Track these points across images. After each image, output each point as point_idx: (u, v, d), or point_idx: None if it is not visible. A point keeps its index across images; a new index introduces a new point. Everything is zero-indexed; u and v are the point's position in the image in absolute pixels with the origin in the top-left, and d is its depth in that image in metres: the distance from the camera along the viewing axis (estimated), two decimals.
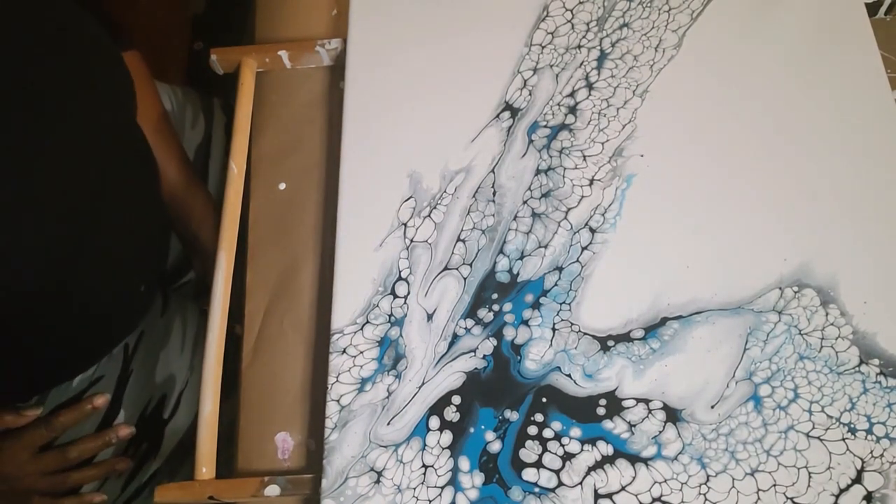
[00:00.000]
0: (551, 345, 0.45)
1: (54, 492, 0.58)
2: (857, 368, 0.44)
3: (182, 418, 0.66)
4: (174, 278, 0.76)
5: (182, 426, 0.66)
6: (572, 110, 0.52)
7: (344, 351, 0.46)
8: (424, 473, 0.43)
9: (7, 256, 0.43)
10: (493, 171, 0.51)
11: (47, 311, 0.48)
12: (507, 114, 0.52)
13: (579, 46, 0.54)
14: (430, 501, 0.42)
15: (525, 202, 0.50)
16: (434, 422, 0.44)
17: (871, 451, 0.42)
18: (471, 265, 0.48)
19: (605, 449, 0.43)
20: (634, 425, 0.43)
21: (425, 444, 0.44)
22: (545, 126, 0.52)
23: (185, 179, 0.66)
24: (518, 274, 0.48)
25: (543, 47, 0.54)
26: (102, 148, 0.50)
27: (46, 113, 0.45)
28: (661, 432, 0.43)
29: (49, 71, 0.46)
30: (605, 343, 0.45)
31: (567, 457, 0.43)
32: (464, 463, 0.43)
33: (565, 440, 0.43)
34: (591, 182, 0.50)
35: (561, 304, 0.46)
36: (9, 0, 0.43)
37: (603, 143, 0.51)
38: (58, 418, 0.57)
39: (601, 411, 0.44)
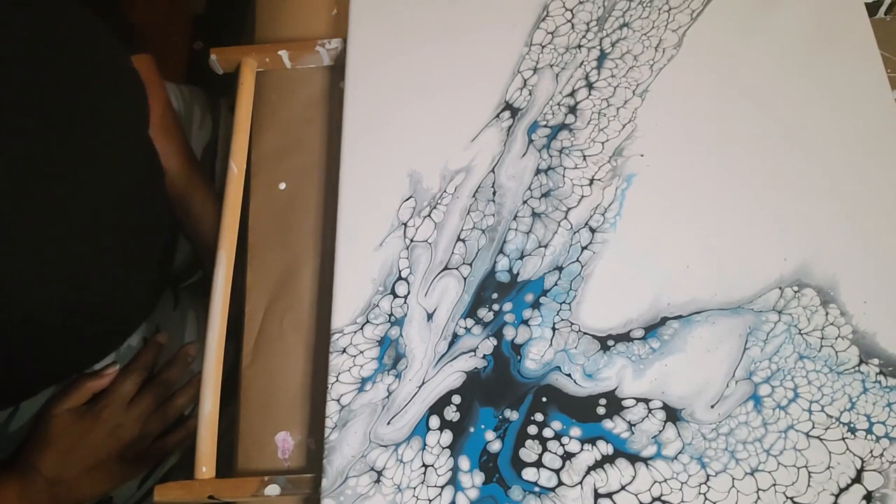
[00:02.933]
0: (551, 344, 0.45)
1: (162, 429, 0.60)
2: (856, 368, 0.44)
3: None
4: (183, 278, 0.76)
5: None
6: (572, 110, 0.52)
7: (344, 350, 0.46)
8: (424, 473, 0.43)
9: (29, 278, 0.44)
10: (493, 170, 0.51)
11: (55, 314, 0.49)
12: (507, 113, 0.52)
13: (579, 46, 0.54)
14: (430, 501, 0.42)
15: (525, 202, 0.50)
16: (434, 421, 0.44)
17: (871, 451, 0.42)
18: (471, 265, 0.48)
19: (605, 448, 0.43)
20: (634, 425, 0.43)
21: (425, 444, 0.44)
22: (545, 126, 0.52)
23: (186, 173, 0.66)
24: (518, 273, 0.48)
25: (543, 47, 0.54)
26: (115, 158, 0.51)
27: (56, 124, 0.45)
28: (660, 432, 0.43)
29: (58, 81, 0.46)
30: (605, 343, 0.45)
31: (567, 456, 0.43)
32: (464, 462, 0.43)
33: (565, 440, 0.43)
34: (591, 182, 0.50)
35: (561, 303, 0.46)
36: (14, 7, 0.44)
37: (603, 143, 0.51)
38: (165, 376, 0.61)
39: (601, 411, 0.44)
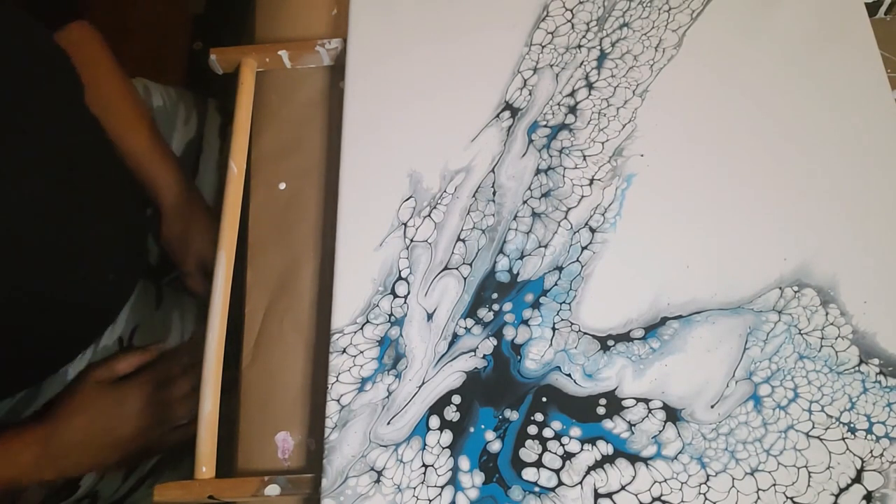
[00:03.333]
0: (551, 344, 0.45)
1: (189, 416, 0.61)
2: (856, 368, 0.44)
3: None
4: (164, 271, 0.76)
5: None
6: (572, 110, 0.52)
7: (344, 350, 0.46)
8: (424, 473, 0.43)
9: None
10: (493, 170, 0.51)
11: (11, 308, 0.49)
12: (507, 113, 0.52)
13: (579, 46, 0.54)
14: (430, 501, 0.42)
15: (525, 202, 0.50)
16: (434, 421, 0.44)
17: (871, 451, 0.42)
18: (471, 265, 0.48)
19: (605, 448, 0.43)
20: (634, 425, 0.43)
21: (425, 444, 0.44)
22: (545, 126, 0.52)
23: (184, 195, 0.66)
24: (518, 273, 0.48)
25: (543, 47, 0.54)
26: (59, 137, 0.51)
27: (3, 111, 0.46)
28: (660, 432, 0.43)
29: (4, 70, 0.46)
30: (605, 343, 0.45)
31: (567, 456, 0.43)
32: (464, 462, 0.43)
33: (565, 440, 0.43)
34: (591, 182, 0.50)
35: (561, 303, 0.46)
36: None
37: (603, 143, 0.51)
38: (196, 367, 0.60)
39: (601, 411, 0.44)
